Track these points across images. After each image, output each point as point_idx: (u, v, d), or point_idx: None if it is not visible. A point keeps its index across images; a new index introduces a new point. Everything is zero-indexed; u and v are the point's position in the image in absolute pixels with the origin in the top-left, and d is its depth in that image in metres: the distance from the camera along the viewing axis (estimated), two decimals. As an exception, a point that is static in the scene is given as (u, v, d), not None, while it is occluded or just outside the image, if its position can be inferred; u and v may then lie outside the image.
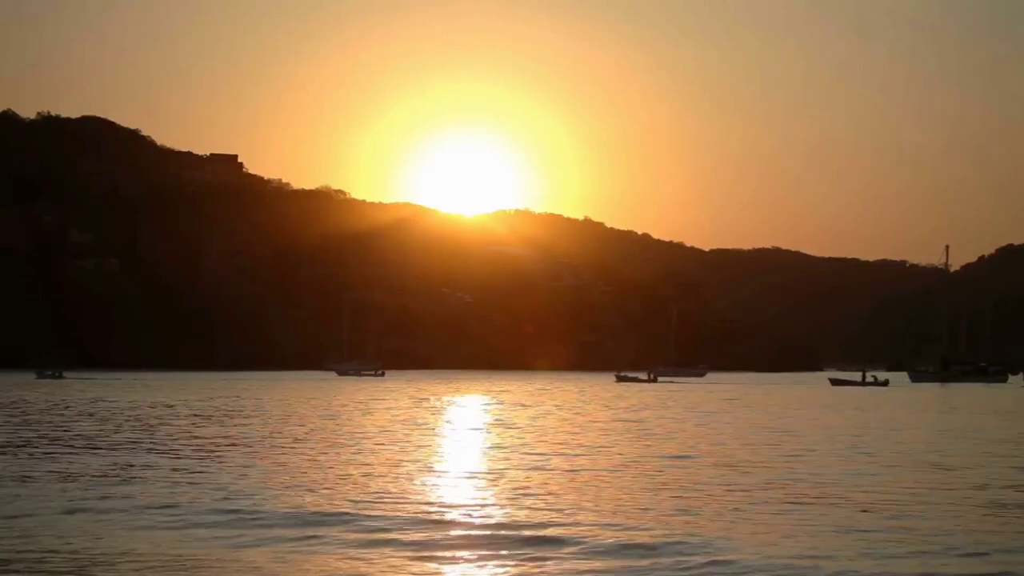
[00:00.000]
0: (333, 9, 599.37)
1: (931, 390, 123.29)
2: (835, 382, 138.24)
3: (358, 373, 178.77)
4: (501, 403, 77.31)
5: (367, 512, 21.92)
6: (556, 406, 71.39)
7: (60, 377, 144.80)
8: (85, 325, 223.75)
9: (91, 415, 58.59)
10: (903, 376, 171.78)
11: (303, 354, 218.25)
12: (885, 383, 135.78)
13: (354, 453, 35.74)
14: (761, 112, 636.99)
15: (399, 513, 21.90)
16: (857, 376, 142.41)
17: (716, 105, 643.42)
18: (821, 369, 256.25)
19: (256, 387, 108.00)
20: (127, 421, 53.01)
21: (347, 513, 21.73)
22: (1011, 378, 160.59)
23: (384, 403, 76.20)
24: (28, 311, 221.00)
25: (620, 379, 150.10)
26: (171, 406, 68.13)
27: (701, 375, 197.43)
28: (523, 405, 74.04)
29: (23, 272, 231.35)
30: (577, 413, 63.87)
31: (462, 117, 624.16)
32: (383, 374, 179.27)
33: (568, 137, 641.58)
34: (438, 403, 76.99)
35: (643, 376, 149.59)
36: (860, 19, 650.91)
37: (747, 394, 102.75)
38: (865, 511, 22.38)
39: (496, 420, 56.53)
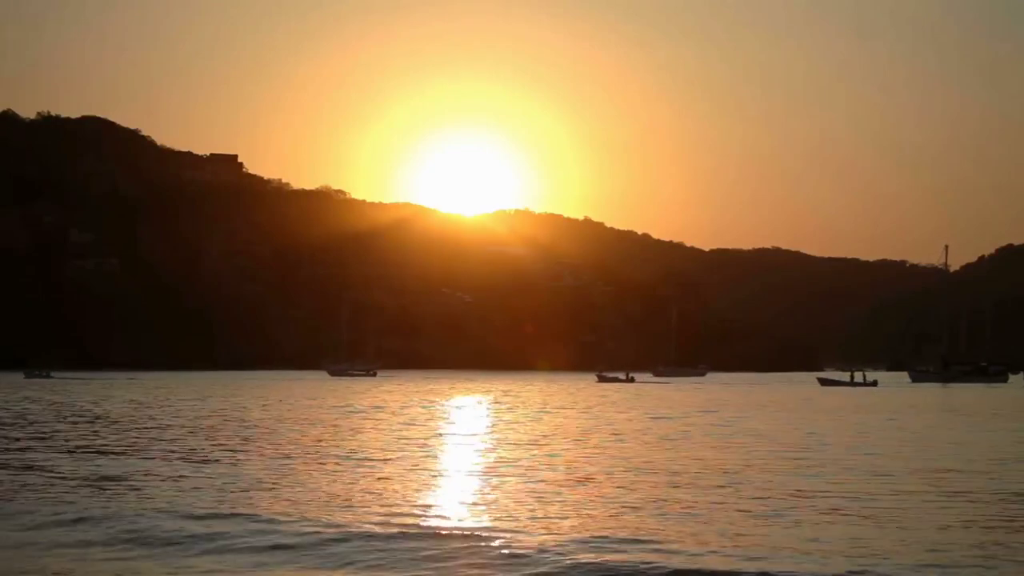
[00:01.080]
0: (333, 9, 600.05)
1: (923, 390, 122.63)
2: (824, 382, 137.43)
3: (349, 373, 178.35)
4: (464, 405, 75.23)
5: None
6: (518, 412, 67.16)
7: (48, 377, 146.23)
8: (85, 325, 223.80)
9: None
10: (903, 376, 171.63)
11: (303, 354, 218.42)
12: (874, 383, 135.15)
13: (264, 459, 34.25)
14: (761, 112, 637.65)
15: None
16: (846, 376, 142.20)
17: (716, 105, 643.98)
18: (821, 369, 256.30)
19: (233, 388, 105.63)
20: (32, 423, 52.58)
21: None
22: (1012, 378, 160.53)
23: (333, 404, 74.27)
24: (28, 311, 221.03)
25: (601, 379, 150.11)
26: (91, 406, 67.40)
27: (701, 375, 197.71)
28: (477, 407, 72.49)
29: (23, 272, 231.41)
30: (537, 416, 61.66)
31: (462, 117, 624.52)
32: (375, 374, 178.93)
33: (568, 137, 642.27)
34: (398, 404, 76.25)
35: (621, 376, 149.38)
36: (860, 19, 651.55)
37: (725, 395, 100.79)
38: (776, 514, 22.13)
39: (434, 421, 55.32)
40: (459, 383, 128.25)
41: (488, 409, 68.34)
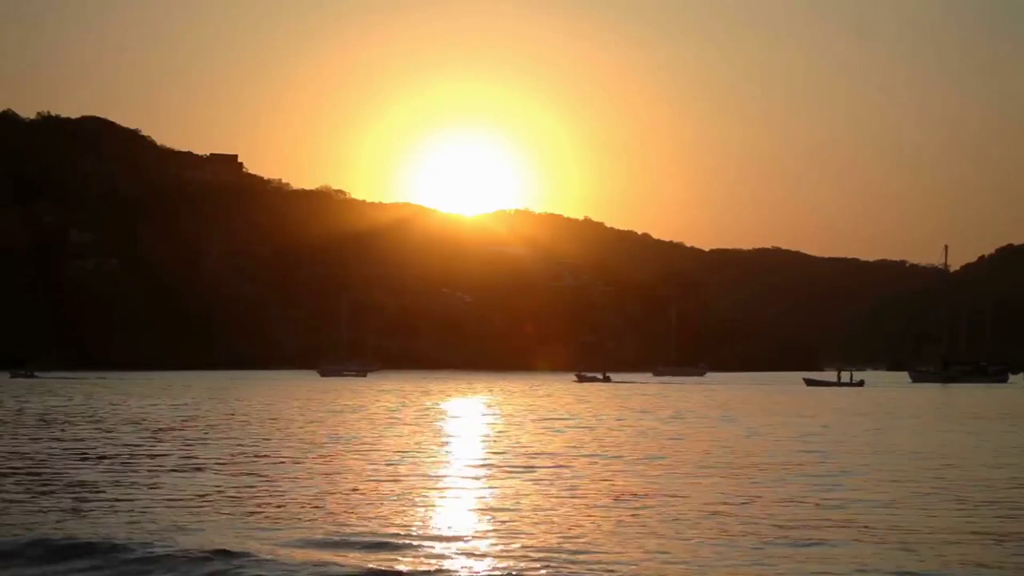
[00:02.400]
0: (333, 9, 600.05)
1: (909, 390, 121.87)
2: (810, 382, 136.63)
3: (339, 373, 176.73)
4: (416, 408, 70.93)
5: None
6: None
7: (32, 377, 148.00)
8: (85, 325, 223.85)
9: None
10: (903, 376, 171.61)
11: (303, 354, 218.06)
12: (860, 383, 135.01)
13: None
14: (761, 112, 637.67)
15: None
16: (833, 376, 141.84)
17: (716, 105, 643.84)
18: (821, 369, 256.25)
19: (201, 389, 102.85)
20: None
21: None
22: (1012, 378, 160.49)
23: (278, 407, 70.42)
24: (28, 311, 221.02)
25: (580, 379, 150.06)
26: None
27: (701, 374, 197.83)
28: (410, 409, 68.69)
29: (23, 272, 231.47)
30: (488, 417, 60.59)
31: (462, 117, 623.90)
32: (365, 374, 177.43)
33: (568, 137, 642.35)
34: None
35: (599, 376, 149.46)
36: (860, 19, 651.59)
37: (696, 395, 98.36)
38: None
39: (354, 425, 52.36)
40: (450, 384, 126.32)
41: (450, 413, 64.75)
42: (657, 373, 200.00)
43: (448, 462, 32.94)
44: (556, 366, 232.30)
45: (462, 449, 37.79)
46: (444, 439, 42.39)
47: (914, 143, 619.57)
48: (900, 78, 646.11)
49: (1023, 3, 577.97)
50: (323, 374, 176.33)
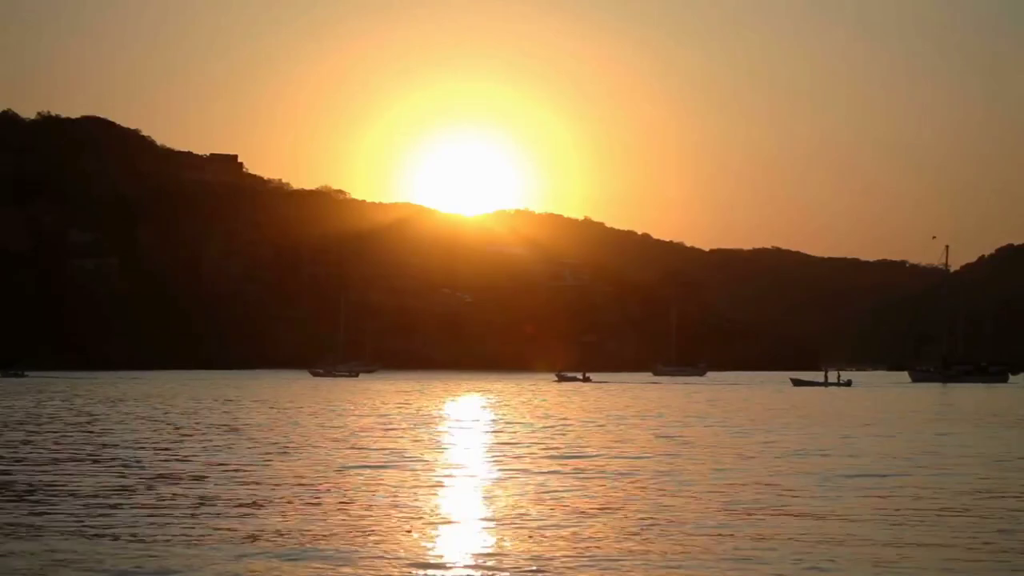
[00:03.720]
0: (332, 9, 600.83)
1: (898, 390, 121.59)
2: (797, 382, 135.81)
3: (330, 374, 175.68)
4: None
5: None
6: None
7: (23, 376, 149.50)
8: (84, 325, 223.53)
9: None
10: (903, 376, 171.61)
11: (302, 354, 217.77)
12: (848, 383, 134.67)
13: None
14: (762, 112, 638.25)
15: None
16: (820, 376, 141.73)
17: (717, 105, 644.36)
18: (821, 369, 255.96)
19: (176, 389, 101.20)
20: None
21: None
22: (1012, 378, 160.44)
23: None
24: (27, 311, 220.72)
25: (561, 379, 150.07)
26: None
27: (701, 374, 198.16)
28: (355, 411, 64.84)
29: (23, 272, 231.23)
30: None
31: (462, 117, 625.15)
32: (357, 375, 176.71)
33: (569, 137, 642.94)
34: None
35: (579, 376, 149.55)
36: (861, 19, 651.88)
37: (676, 395, 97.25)
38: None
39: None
40: (434, 386, 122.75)
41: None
42: (657, 372, 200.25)
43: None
44: (556, 366, 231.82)
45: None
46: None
47: (914, 143, 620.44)
48: (900, 78, 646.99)
49: (1023, 3, 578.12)
50: (314, 375, 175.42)
